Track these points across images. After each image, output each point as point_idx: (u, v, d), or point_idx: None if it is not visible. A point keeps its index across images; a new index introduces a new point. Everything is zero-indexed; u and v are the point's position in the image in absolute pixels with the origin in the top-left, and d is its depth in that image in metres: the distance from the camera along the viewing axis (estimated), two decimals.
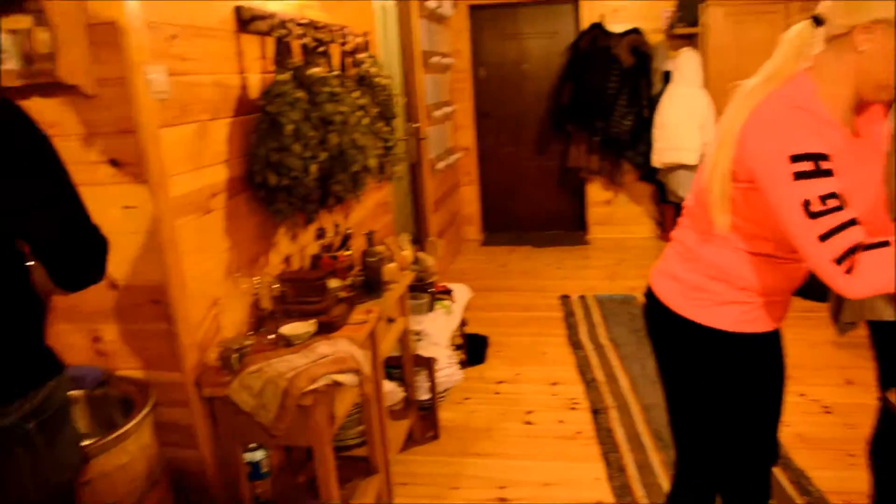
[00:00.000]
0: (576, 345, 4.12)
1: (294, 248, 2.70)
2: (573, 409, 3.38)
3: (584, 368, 3.80)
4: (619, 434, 3.10)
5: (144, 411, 1.80)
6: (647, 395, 3.40)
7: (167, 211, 1.90)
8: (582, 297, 4.93)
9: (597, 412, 3.31)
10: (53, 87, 1.78)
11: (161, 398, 1.96)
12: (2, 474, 1.21)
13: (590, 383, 3.61)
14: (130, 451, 1.72)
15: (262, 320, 2.27)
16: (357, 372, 2.06)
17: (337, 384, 1.99)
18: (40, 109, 1.83)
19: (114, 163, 1.85)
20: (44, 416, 1.27)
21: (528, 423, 3.28)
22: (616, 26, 5.87)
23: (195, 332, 2.00)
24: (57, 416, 1.30)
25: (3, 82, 1.74)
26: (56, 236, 1.31)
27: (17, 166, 1.24)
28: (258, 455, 2.16)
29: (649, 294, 1.74)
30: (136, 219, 1.88)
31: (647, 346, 1.85)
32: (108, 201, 1.87)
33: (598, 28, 5.91)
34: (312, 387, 1.90)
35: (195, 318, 2.01)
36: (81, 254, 1.36)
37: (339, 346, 2.09)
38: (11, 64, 1.77)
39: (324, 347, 2.08)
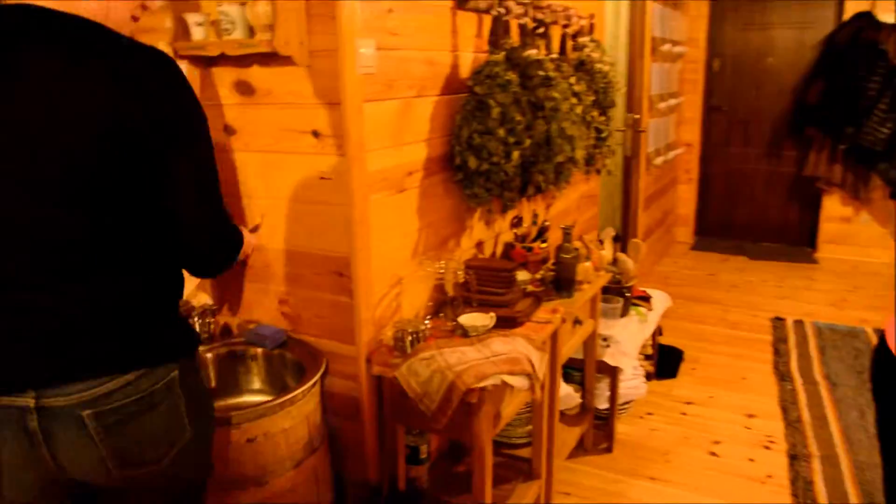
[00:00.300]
0: (783, 375, 3.70)
1: (488, 234, 2.63)
2: (768, 448, 3.02)
3: (788, 404, 3.39)
4: (820, 489, 2.72)
5: (313, 380, 1.84)
6: (861, 449, 2.96)
7: (363, 186, 1.90)
8: (798, 323, 4.42)
9: (795, 457, 2.93)
10: (270, 57, 1.85)
11: (331, 368, 2.00)
12: (51, 451, 1.18)
13: (793, 423, 3.21)
14: (295, 416, 1.77)
15: (441, 305, 2.24)
16: (529, 376, 1.96)
17: (506, 385, 1.90)
18: (256, 78, 1.91)
19: (315, 134, 1.88)
20: (104, 408, 1.18)
21: (713, 454, 2.98)
22: (889, 16, 5.08)
23: (374, 308, 2.00)
24: (124, 409, 1.21)
25: (228, 51, 1.84)
26: (201, 220, 1.28)
27: (181, 136, 1.21)
28: (419, 440, 2.14)
29: (882, 343, 1.46)
30: (331, 190, 1.90)
31: (869, 392, 1.56)
32: (306, 170, 1.92)
33: (864, 18, 5.14)
34: (480, 384, 1.83)
35: (376, 295, 2.01)
36: (217, 242, 1.35)
37: (516, 346, 2.00)
38: (238, 34, 1.86)
39: (499, 344, 1.99)
